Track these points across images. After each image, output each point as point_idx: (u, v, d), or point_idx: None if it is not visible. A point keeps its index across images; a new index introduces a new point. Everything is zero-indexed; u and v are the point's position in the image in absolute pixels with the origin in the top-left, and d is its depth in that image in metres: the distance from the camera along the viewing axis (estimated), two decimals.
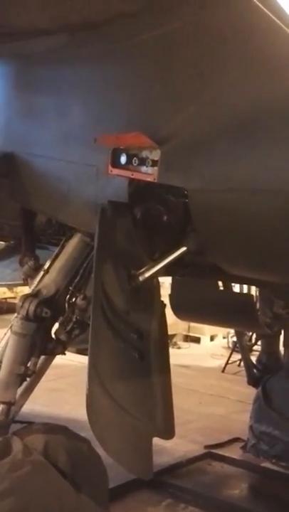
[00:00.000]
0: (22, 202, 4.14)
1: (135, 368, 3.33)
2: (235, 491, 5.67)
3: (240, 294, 6.04)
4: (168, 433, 3.38)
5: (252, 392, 6.51)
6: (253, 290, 6.12)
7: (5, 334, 4.11)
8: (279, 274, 3.33)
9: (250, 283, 5.11)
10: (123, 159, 3.25)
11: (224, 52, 2.92)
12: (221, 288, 5.36)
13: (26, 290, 4.32)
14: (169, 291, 5.16)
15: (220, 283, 5.28)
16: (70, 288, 4.08)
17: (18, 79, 3.97)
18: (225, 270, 3.49)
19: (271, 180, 2.79)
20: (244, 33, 2.82)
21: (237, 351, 9.23)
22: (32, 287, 4.20)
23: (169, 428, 3.37)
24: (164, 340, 3.55)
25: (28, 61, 3.80)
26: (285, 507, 5.24)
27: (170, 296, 5.14)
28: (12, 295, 11.63)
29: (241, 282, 5.44)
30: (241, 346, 7.00)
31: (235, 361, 9.98)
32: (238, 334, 7.04)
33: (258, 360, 6.80)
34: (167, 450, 5.95)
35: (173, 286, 5.19)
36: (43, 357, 4.15)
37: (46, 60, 3.68)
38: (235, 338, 8.76)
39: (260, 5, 2.24)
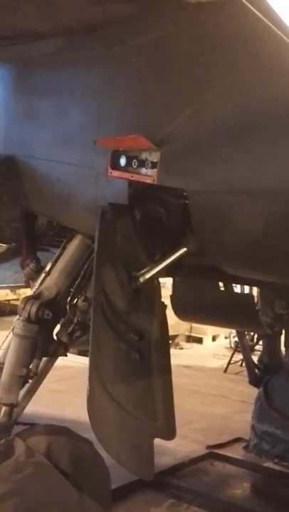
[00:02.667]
0: (23, 204, 4.16)
1: (136, 369, 3.34)
2: (238, 490, 5.68)
3: (241, 294, 6.04)
4: (169, 434, 3.39)
5: (254, 392, 6.51)
6: (254, 290, 6.12)
7: (7, 336, 4.13)
8: (277, 275, 3.35)
9: (250, 283, 5.12)
10: (123, 161, 3.26)
11: (221, 56, 2.94)
12: (222, 288, 5.37)
13: (29, 292, 4.33)
14: (170, 292, 5.17)
15: (221, 283, 5.29)
16: (72, 290, 4.09)
17: (17, 82, 3.99)
18: (225, 271, 3.51)
19: (267, 182, 2.80)
20: (240, 37, 2.84)
21: (239, 351, 9.23)
22: (33, 289, 4.21)
23: (170, 429, 3.38)
24: (165, 341, 3.57)
25: (27, 65, 3.81)
26: (287, 507, 5.25)
27: (171, 296, 5.15)
28: (15, 297, 11.64)
29: (242, 283, 5.45)
30: (243, 346, 7.00)
31: (238, 361, 9.98)
32: (239, 334, 7.05)
33: (260, 360, 6.80)
34: (169, 450, 5.96)
35: (174, 286, 5.20)
36: (44, 358, 4.16)
37: (45, 63, 3.69)
38: (237, 339, 8.75)
39: (255, 10, 2.26)
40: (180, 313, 5.31)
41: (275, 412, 6.05)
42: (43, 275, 4.19)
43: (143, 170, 3.19)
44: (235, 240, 3.08)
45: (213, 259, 3.41)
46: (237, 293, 5.87)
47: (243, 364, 7.73)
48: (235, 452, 6.36)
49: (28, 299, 4.03)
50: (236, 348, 10.15)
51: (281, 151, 2.76)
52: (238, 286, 6.12)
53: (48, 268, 4.19)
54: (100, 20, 3.18)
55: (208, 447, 6.45)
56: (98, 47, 3.35)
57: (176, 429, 3.40)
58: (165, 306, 3.62)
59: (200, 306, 5.28)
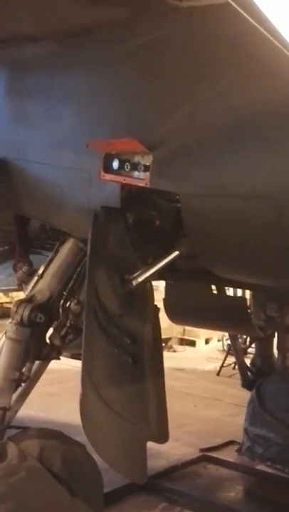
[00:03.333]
0: (15, 208, 4.16)
1: (129, 372, 3.35)
2: (231, 493, 5.67)
3: (234, 297, 6.04)
4: (162, 437, 3.39)
5: (247, 395, 6.52)
6: (247, 294, 6.13)
7: (0, 339, 4.12)
8: (270, 278, 3.35)
9: (243, 287, 5.12)
10: (115, 164, 3.26)
11: (213, 60, 2.95)
12: (215, 292, 5.38)
13: (22, 295, 4.33)
14: (163, 295, 5.17)
15: (213, 287, 5.30)
16: (64, 293, 4.08)
17: (10, 85, 3.98)
18: (217, 274, 3.51)
19: (259, 185, 2.81)
20: (232, 42, 2.84)
21: (232, 354, 9.24)
22: (26, 292, 4.21)
23: (163, 432, 3.39)
24: (158, 345, 3.57)
25: (20, 67, 3.82)
26: (280, 509, 5.25)
27: (164, 299, 5.15)
28: (8, 300, 11.63)
29: (234, 286, 5.46)
30: (235, 349, 7.01)
31: (230, 364, 10.00)
32: (232, 337, 7.06)
33: (252, 363, 6.81)
34: (162, 454, 5.95)
35: (167, 290, 5.20)
36: (37, 362, 4.15)
37: (37, 66, 3.70)
38: (229, 341, 8.76)
39: (246, 15, 2.27)
40: (173, 316, 5.31)
41: (268, 414, 6.05)
42: (35, 278, 4.18)
43: (135, 173, 3.20)
44: (227, 243, 3.09)
45: (206, 263, 3.41)
46: (230, 296, 5.87)
47: (236, 367, 7.74)
48: (228, 455, 6.36)
49: (20, 302, 4.03)
50: (229, 351, 10.15)
51: (273, 155, 2.77)
52: (231, 289, 6.13)
53: (40, 271, 4.18)
54: (93, 23, 3.19)
55: (201, 450, 6.45)
56: (90, 50, 3.36)
57: (169, 432, 3.41)
58: (158, 309, 3.63)
59: (193, 309, 5.28)
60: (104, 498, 3.88)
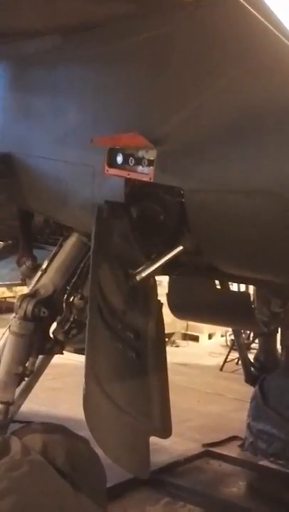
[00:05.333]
0: (19, 203, 4.16)
1: (132, 367, 3.35)
2: (233, 489, 5.68)
3: (238, 292, 6.04)
4: (165, 432, 3.39)
5: (250, 390, 6.52)
6: (251, 289, 6.13)
7: (3, 334, 4.12)
8: (274, 274, 3.35)
9: (247, 282, 5.12)
10: (119, 159, 3.26)
11: (218, 55, 2.94)
12: (218, 287, 5.37)
13: (25, 290, 4.33)
14: (166, 290, 5.17)
15: (217, 282, 5.30)
16: (68, 288, 4.08)
17: (14, 80, 3.98)
18: (221, 269, 3.51)
19: (263, 181, 2.80)
20: (238, 36, 2.83)
21: (235, 349, 9.24)
22: (30, 287, 4.21)
23: (166, 427, 3.39)
24: (161, 340, 3.57)
25: (24, 62, 3.81)
26: (282, 505, 5.25)
27: (167, 295, 5.15)
28: (11, 294, 11.63)
29: (238, 281, 5.45)
30: (239, 344, 7.01)
31: (234, 359, 10.00)
32: (235, 333, 7.06)
33: (256, 358, 6.81)
34: (165, 449, 5.96)
35: (170, 285, 5.20)
36: (41, 356, 4.15)
37: (42, 61, 3.69)
38: (233, 337, 8.77)
39: (251, 8, 2.26)
40: (176, 311, 5.31)
41: (271, 410, 6.05)
42: (39, 273, 4.19)
43: (140, 168, 3.19)
44: (231, 238, 3.08)
45: (210, 258, 3.41)
46: (233, 291, 5.87)
47: (239, 362, 7.75)
48: (231, 450, 6.37)
49: (24, 296, 4.03)
50: (232, 347, 10.15)
51: (278, 151, 2.76)
52: (234, 284, 6.13)
53: (44, 266, 4.19)
54: (98, 18, 3.18)
55: (204, 445, 6.45)
56: (95, 45, 3.35)
57: (172, 428, 3.41)
58: (161, 304, 3.63)
59: (196, 305, 5.28)
60: (108, 493, 3.88)
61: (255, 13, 2.26)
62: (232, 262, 3.36)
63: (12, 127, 3.93)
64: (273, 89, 2.79)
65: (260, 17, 2.29)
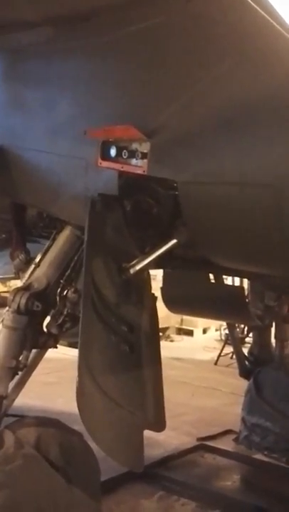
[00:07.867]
0: (12, 196, 4.14)
1: (126, 360, 3.34)
2: (228, 482, 5.69)
3: (232, 286, 6.03)
4: (159, 425, 3.39)
5: (244, 384, 6.53)
6: (245, 283, 6.13)
7: None
8: (268, 267, 3.34)
9: (241, 275, 5.11)
10: (113, 152, 3.24)
11: (212, 46, 2.92)
12: (213, 280, 5.37)
13: (19, 283, 4.32)
14: (160, 284, 5.16)
15: (211, 275, 5.29)
16: (61, 281, 4.07)
17: (6, 72, 3.96)
18: (215, 263, 3.50)
19: (259, 174, 2.79)
20: (231, 27, 2.81)
21: (229, 344, 9.25)
22: (23, 281, 4.20)
23: (160, 420, 3.38)
24: (155, 333, 3.56)
25: (16, 54, 3.78)
26: (276, 498, 5.26)
27: (162, 288, 5.14)
28: (5, 289, 11.61)
29: (232, 275, 5.45)
30: (233, 338, 7.01)
31: (228, 353, 10.02)
32: (229, 327, 7.06)
33: (250, 352, 6.82)
34: (160, 442, 5.97)
35: (164, 279, 5.19)
36: (34, 350, 4.14)
37: (34, 52, 3.66)
38: (227, 331, 8.77)
39: None
40: (170, 305, 5.30)
41: (265, 404, 6.06)
42: (32, 266, 4.18)
43: (133, 160, 3.17)
44: (225, 231, 3.07)
45: (204, 251, 3.40)
46: (227, 285, 5.86)
47: (234, 356, 7.76)
48: (226, 444, 6.38)
49: (17, 290, 4.02)
50: (227, 341, 10.17)
51: (272, 143, 2.74)
52: (229, 278, 6.12)
53: (37, 259, 4.18)
54: (90, 9, 3.16)
55: (199, 439, 6.46)
56: (88, 36, 3.32)
57: (166, 421, 3.41)
58: (155, 298, 3.61)
59: (190, 299, 5.27)
60: (102, 487, 3.88)
61: (250, 2, 2.24)
62: (226, 255, 3.35)
63: (4, 119, 3.90)
64: (267, 80, 2.77)
65: (254, 6, 2.27)
